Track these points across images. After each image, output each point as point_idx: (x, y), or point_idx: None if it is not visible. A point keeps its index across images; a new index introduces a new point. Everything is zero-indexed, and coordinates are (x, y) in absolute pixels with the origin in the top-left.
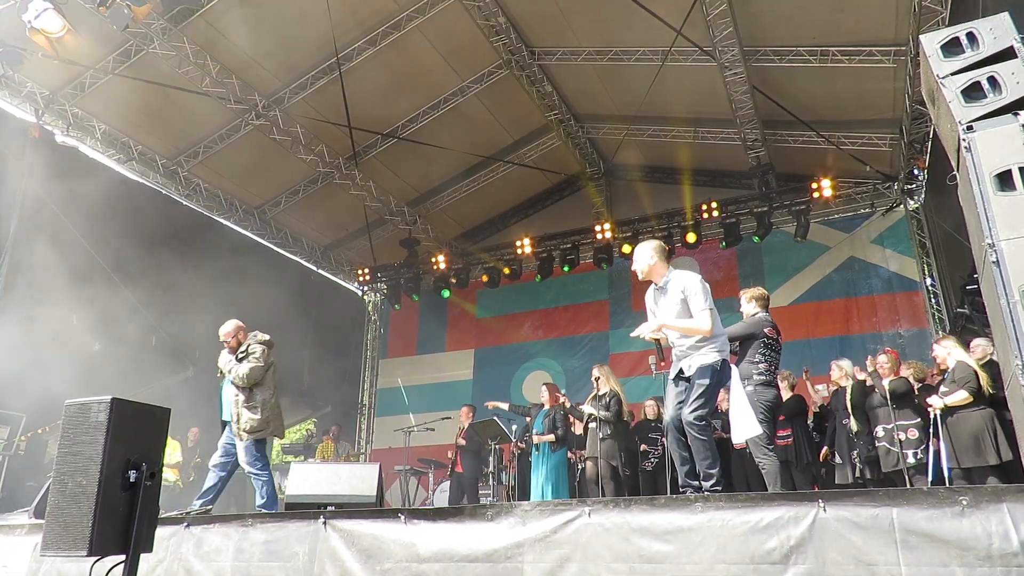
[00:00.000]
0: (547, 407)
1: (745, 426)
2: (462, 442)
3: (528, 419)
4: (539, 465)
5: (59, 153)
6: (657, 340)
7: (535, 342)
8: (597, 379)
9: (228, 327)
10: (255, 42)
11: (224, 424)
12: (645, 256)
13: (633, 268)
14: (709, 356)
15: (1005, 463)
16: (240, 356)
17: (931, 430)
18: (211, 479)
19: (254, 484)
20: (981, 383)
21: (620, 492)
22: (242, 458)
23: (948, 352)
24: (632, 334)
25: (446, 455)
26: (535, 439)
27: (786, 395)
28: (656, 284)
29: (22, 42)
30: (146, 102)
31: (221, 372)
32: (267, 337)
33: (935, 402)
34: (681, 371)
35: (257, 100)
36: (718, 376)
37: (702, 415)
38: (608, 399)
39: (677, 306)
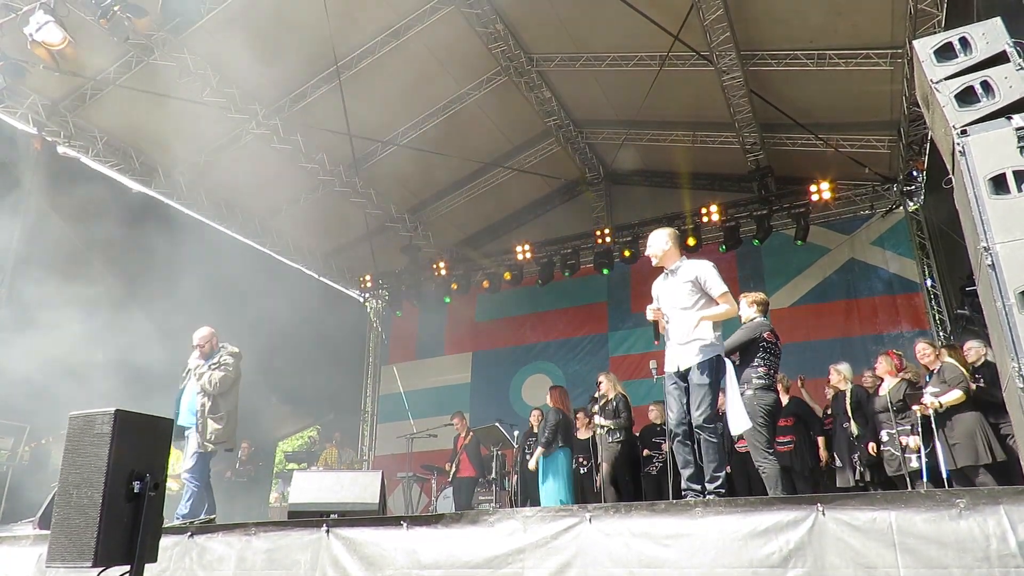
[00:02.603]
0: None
1: (737, 420)
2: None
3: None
4: (543, 470)
5: (61, 164)
6: (655, 322)
7: (533, 344)
8: (600, 383)
9: (204, 332)
10: (255, 52)
11: (182, 431)
12: (660, 241)
13: (647, 253)
14: (704, 352)
15: (998, 463)
16: (212, 364)
17: (920, 430)
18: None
19: (184, 491)
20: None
21: (620, 497)
22: (187, 463)
23: (936, 353)
24: (663, 342)
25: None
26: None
27: (784, 399)
28: (667, 269)
29: (24, 55)
30: (147, 112)
31: (188, 371)
32: (236, 349)
33: (929, 401)
34: (679, 368)
35: (258, 109)
36: (715, 374)
37: (710, 416)
38: (616, 403)
39: (683, 290)
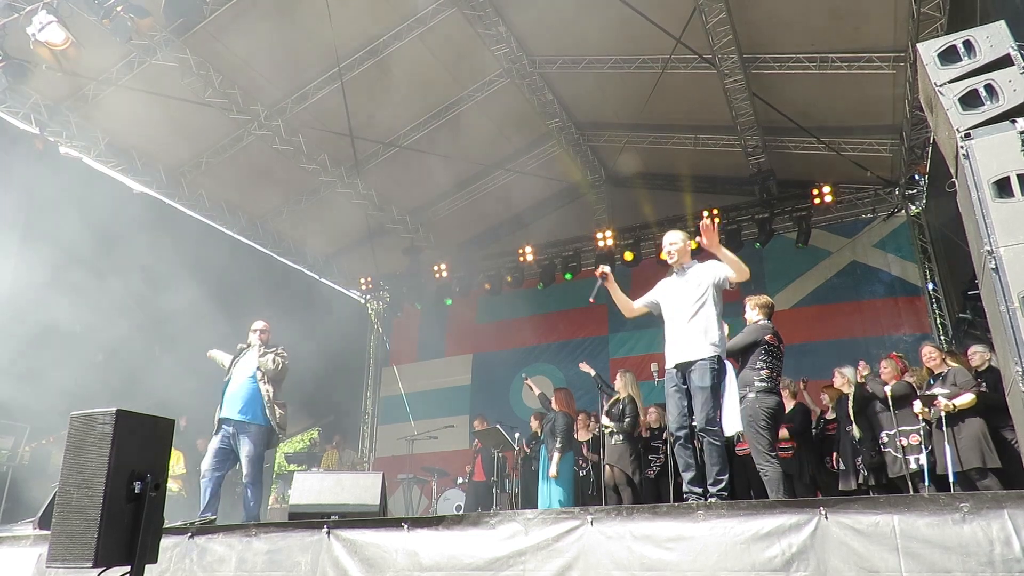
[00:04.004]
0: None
1: (730, 421)
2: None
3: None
4: (543, 472)
5: (63, 164)
6: (603, 278)
7: (534, 347)
8: (599, 384)
9: (263, 323)
10: (257, 53)
11: (220, 423)
12: (679, 239)
13: (666, 249)
14: (705, 349)
15: (999, 468)
16: (272, 351)
17: (922, 433)
18: (209, 488)
19: (252, 493)
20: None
21: (637, 497)
22: (256, 465)
23: (942, 357)
24: (703, 243)
25: (462, 467)
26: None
27: (789, 405)
28: (682, 266)
29: (26, 55)
30: (149, 113)
31: (233, 361)
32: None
33: (944, 403)
34: (680, 373)
35: (259, 110)
36: (716, 378)
37: (713, 418)
38: (623, 405)
39: (689, 288)
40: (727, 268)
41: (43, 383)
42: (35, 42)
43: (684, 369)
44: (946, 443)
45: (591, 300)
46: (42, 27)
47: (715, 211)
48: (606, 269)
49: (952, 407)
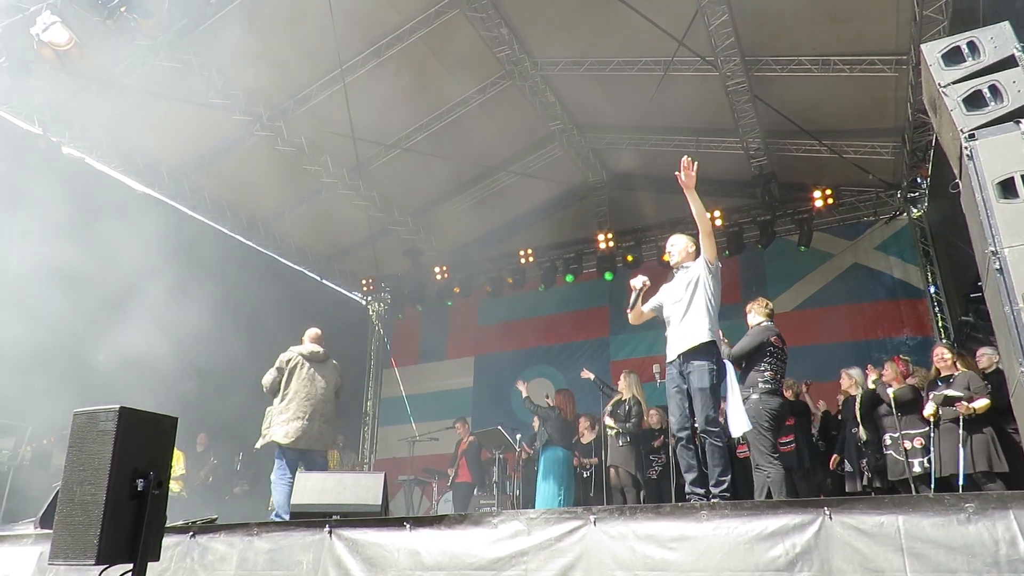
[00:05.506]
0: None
1: (736, 421)
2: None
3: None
4: (543, 472)
5: (65, 164)
6: (639, 291)
7: (535, 348)
8: (600, 386)
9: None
10: (260, 54)
11: None
12: (681, 242)
13: (668, 250)
14: (702, 334)
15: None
16: None
17: (934, 435)
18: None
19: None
20: None
21: (643, 499)
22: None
23: (954, 359)
24: (681, 179)
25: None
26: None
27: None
28: (680, 266)
29: (29, 55)
30: (152, 113)
31: None
32: (293, 352)
33: (964, 406)
34: (680, 372)
35: (262, 111)
36: (716, 378)
37: (713, 418)
38: (629, 406)
39: (687, 282)
40: (703, 249)
41: (43, 383)
42: (39, 42)
43: (685, 359)
44: (960, 445)
45: (628, 311)
46: (46, 27)
47: (717, 212)
48: (647, 281)
49: (973, 411)
